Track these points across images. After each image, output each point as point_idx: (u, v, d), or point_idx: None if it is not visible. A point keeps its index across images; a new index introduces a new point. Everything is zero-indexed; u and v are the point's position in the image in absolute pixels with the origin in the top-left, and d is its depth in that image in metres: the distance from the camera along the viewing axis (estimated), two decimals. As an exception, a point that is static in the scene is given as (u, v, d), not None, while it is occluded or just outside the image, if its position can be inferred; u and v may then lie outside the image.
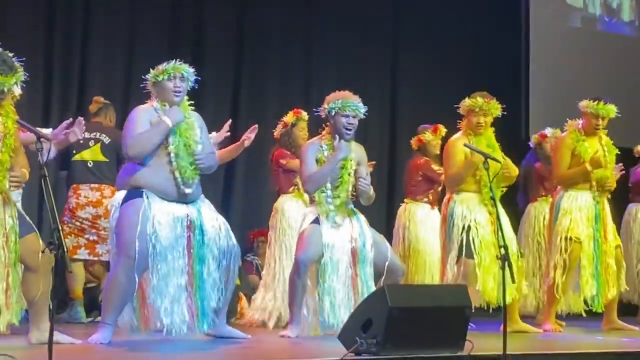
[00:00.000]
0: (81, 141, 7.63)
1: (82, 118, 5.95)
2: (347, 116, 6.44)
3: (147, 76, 5.99)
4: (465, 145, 6.62)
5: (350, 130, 6.45)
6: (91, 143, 7.63)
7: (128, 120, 5.95)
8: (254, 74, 10.01)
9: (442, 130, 8.33)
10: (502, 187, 7.04)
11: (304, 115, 7.71)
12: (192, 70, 5.99)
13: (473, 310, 5.55)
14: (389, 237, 8.61)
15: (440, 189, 8.27)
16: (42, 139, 4.69)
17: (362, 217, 6.57)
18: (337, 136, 6.46)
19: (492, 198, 5.94)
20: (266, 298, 7.42)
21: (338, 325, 6.13)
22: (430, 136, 8.36)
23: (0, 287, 5.25)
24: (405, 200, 8.44)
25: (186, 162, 5.89)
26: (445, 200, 7.11)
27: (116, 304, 5.74)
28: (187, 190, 5.90)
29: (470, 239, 6.87)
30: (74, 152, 7.61)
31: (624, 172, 7.76)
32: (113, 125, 7.83)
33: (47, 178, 4.47)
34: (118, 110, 8.10)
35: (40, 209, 7.79)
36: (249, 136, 6.84)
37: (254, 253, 8.89)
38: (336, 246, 6.37)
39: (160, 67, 5.95)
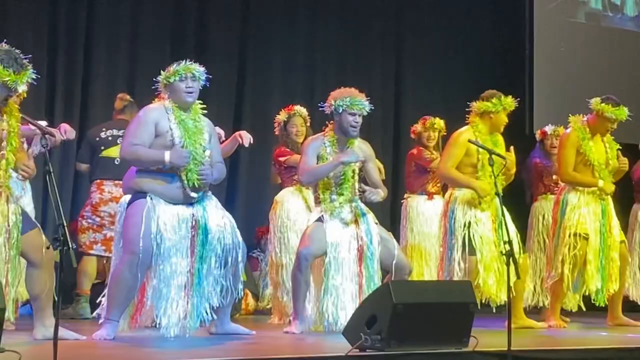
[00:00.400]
0: (109, 138, 7.66)
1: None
2: (354, 114, 6.44)
3: (157, 78, 5.98)
4: (469, 141, 6.60)
5: (356, 128, 6.44)
6: (119, 140, 7.64)
7: (134, 120, 5.95)
8: (257, 71, 10.00)
9: (434, 122, 8.30)
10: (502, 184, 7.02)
11: (299, 111, 7.67)
12: (202, 69, 5.97)
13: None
14: (394, 233, 8.62)
15: (437, 179, 8.26)
16: (47, 135, 4.69)
17: (369, 215, 6.56)
18: (346, 142, 6.45)
19: (497, 194, 5.92)
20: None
21: (342, 324, 6.14)
22: (420, 127, 8.35)
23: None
24: (405, 194, 8.44)
25: (195, 166, 5.86)
26: (446, 196, 7.11)
27: (120, 301, 5.75)
28: (194, 195, 5.88)
29: (471, 235, 6.86)
30: (102, 148, 7.63)
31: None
32: None
33: (52, 174, 4.46)
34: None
35: (45, 205, 7.79)
36: (243, 135, 6.82)
37: (259, 249, 8.89)
38: (341, 245, 6.36)
39: (171, 68, 5.93)
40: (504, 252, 5.27)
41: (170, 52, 9.24)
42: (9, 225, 5.35)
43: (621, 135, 7.62)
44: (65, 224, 4.29)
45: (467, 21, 10.72)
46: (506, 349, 5.11)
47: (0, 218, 5.35)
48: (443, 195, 7.95)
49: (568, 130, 7.42)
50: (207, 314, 5.85)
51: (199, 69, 5.95)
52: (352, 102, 6.43)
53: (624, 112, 7.31)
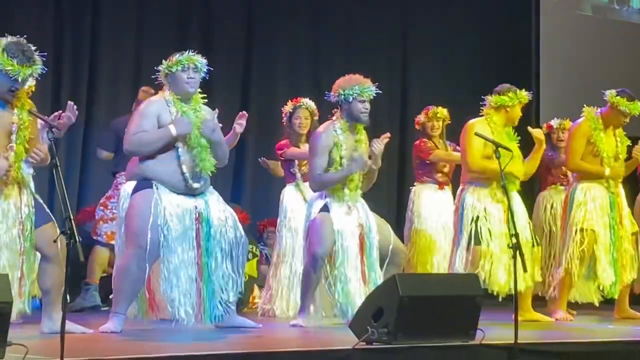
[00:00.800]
0: None
1: (72, 103, 5.90)
2: (364, 101, 6.43)
3: (159, 67, 5.98)
4: (476, 134, 6.59)
5: (366, 113, 6.44)
6: None
7: (136, 113, 5.96)
8: (263, 63, 9.99)
9: (437, 111, 8.28)
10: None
11: (305, 103, 7.67)
12: (204, 60, 5.98)
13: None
14: (401, 222, 8.61)
15: (445, 169, 8.24)
16: (54, 129, 4.69)
17: (364, 202, 6.56)
18: (356, 128, 6.45)
19: (504, 187, 5.92)
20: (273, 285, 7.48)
21: (352, 312, 6.15)
22: (423, 117, 8.34)
23: (15, 276, 5.27)
24: (415, 183, 8.43)
25: (202, 156, 5.87)
26: (459, 191, 7.10)
27: (127, 294, 5.76)
28: (195, 185, 5.89)
29: (479, 228, 6.86)
30: None
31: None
32: None
33: (59, 167, 4.47)
34: (127, 95, 8.08)
35: (51, 197, 7.79)
36: (240, 122, 6.81)
37: (263, 243, 8.89)
38: (346, 232, 6.36)
39: (173, 57, 5.94)
40: (510, 245, 5.26)
41: (176, 47, 9.21)
42: (22, 218, 5.36)
43: (628, 128, 7.60)
44: (72, 217, 4.29)
45: (473, 13, 10.69)
46: (513, 342, 5.11)
47: (13, 209, 5.36)
48: (452, 186, 7.96)
49: (579, 120, 7.41)
50: (219, 308, 5.86)
51: (201, 60, 5.96)
52: (361, 90, 6.42)
53: (638, 107, 7.30)
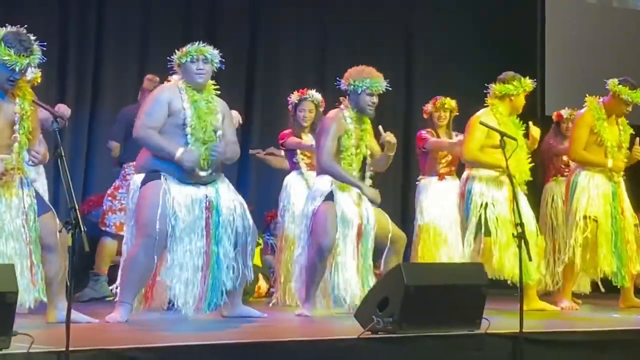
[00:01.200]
0: None
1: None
2: (372, 95, 6.43)
3: (168, 57, 6.02)
4: (481, 123, 6.60)
5: (373, 107, 6.44)
6: None
7: (148, 99, 5.99)
8: (268, 54, 9.98)
9: (444, 101, 8.27)
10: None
11: (311, 95, 7.66)
12: (216, 52, 5.99)
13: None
14: (406, 216, 8.62)
15: (445, 159, 8.23)
16: (58, 119, 4.70)
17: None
18: (362, 119, 6.46)
19: (509, 176, 5.92)
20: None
21: (352, 301, 6.17)
22: (431, 107, 8.33)
23: (25, 265, 5.28)
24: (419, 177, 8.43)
25: (204, 147, 5.88)
26: (463, 177, 7.10)
27: (134, 283, 5.78)
28: (202, 174, 5.90)
29: (487, 216, 6.86)
30: None
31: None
32: None
33: (64, 157, 4.47)
34: (133, 86, 8.08)
35: (56, 187, 7.80)
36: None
37: (269, 233, 8.90)
38: (347, 222, 6.37)
39: (184, 48, 5.98)
40: (515, 234, 5.26)
41: (182, 37, 9.21)
42: (25, 208, 5.37)
43: (631, 117, 7.59)
44: (77, 207, 4.29)
45: (479, 3, 10.67)
46: (518, 331, 5.12)
47: (16, 200, 5.36)
48: (457, 176, 7.96)
49: (583, 110, 7.41)
50: (221, 297, 5.87)
51: (211, 52, 5.98)
52: (372, 83, 6.41)
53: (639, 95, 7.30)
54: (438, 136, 8.19)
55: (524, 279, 5.67)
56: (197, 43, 5.98)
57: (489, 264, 6.70)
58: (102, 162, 8.59)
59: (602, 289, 7.57)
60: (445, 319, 5.06)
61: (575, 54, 10.90)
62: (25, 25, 5.39)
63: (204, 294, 5.84)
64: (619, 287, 7.38)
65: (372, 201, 6.41)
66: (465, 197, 6.99)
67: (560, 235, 7.93)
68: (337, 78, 6.54)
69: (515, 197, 5.73)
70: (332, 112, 6.57)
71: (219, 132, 5.94)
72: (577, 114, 7.53)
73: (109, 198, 7.64)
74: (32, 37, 5.34)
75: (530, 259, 5.33)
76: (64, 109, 6.56)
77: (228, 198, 5.97)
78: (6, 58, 5.23)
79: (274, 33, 9.98)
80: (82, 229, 4.22)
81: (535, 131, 7.19)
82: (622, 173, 7.43)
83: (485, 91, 7.10)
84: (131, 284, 5.77)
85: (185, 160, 5.78)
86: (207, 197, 5.90)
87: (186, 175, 5.84)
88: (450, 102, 8.29)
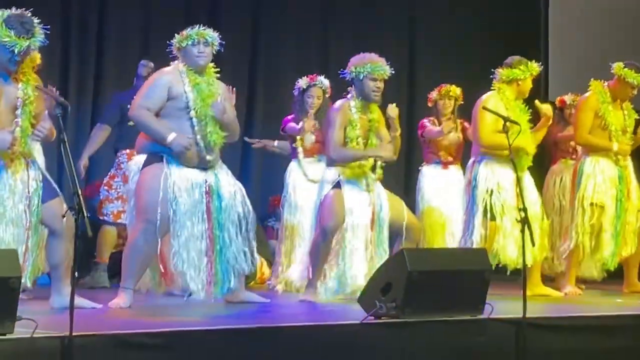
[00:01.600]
0: None
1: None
2: (375, 80, 6.42)
3: (170, 41, 6.03)
4: (484, 108, 6.58)
5: (377, 92, 6.43)
6: None
7: (147, 82, 6.02)
8: (271, 40, 9.95)
9: (449, 89, 8.24)
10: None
11: (320, 82, 7.66)
12: (216, 34, 6.00)
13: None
14: (408, 203, 8.60)
15: (447, 147, 8.21)
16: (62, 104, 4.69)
17: (378, 182, 6.57)
18: (368, 107, 6.45)
19: (512, 160, 5.91)
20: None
21: (359, 289, 6.17)
22: (436, 94, 8.31)
23: (20, 250, 5.28)
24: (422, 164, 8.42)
25: (210, 128, 5.89)
26: (470, 163, 7.09)
27: (137, 269, 5.79)
28: (209, 157, 5.92)
29: (493, 202, 6.86)
30: None
31: None
32: None
33: (67, 143, 4.47)
34: (135, 71, 8.06)
35: (60, 173, 7.79)
36: None
37: (274, 218, 8.90)
38: (357, 209, 6.37)
39: (185, 32, 5.99)
40: (518, 219, 5.26)
41: (184, 23, 9.20)
42: (29, 193, 5.37)
43: (636, 102, 7.57)
44: (80, 193, 4.29)
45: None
46: (521, 316, 5.12)
47: (20, 185, 5.36)
48: (461, 165, 7.95)
49: (587, 94, 7.38)
50: (232, 282, 5.89)
51: (212, 35, 6.01)
52: (373, 68, 6.41)
53: None
54: (440, 124, 8.18)
55: (526, 260, 5.67)
56: (197, 26, 5.99)
57: (493, 250, 6.71)
58: (105, 146, 8.56)
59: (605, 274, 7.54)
60: (448, 304, 5.07)
61: (579, 39, 10.86)
62: (26, 8, 5.39)
63: (213, 279, 5.86)
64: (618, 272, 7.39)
65: (388, 158, 6.39)
66: (471, 184, 6.99)
67: (566, 219, 7.91)
68: (341, 67, 6.55)
69: (518, 182, 5.73)
70: (337, 103, 6.57)
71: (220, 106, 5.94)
72: (581, 98, 7.50)
73: (105, 187, 7.61)
74: (36, 20, 5.34)
75: (533, 244, 5.32)
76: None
77: (228, 183, 5.99)
78: (6, 39, 5.22)
79: (277, 21, 9.95)
80: (85, 214, 4.22)
81: (546, 108, 7.15)
82: (628, 157, 7.41)
83: (489, 77, 7.08)
84: (132, 269, 5.78)
85: (175, 145, 5.78)
86: (206, 181, 5.91)
87: (187, 159, 5.84)
88: (455, 90, 8.27)
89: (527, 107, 7.03)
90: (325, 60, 9.80)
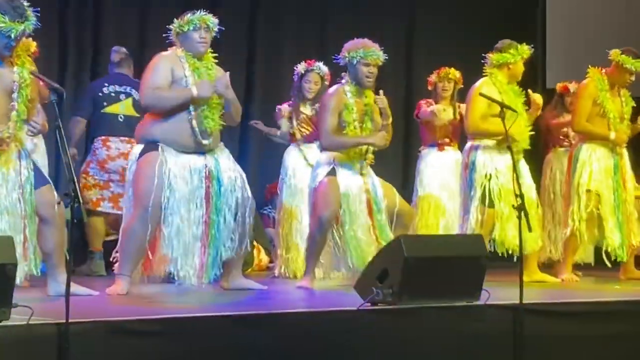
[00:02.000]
0: (112, 94, 7.62)
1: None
2: (368, 65, 6.41)
3: (170, 26, 6.02)
4: (480, 94, 6.58)
5: (370, 78, 6.43)
6: (122, 97, 7.60)
7: (149, 67, 5.97)
8: (269, 25, 9.93)
9: (449, 72, 8.23)
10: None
11: (318, 67, 7.65)
12: (216, 20, 5.99)
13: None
14: (407, 187, 8.60)
15: (443, 128, 8.20)
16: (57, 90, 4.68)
17: (369, 168, 6.57)
18: (363, 92, 6.44)
19: (509, 147, 5.92)
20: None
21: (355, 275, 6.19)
22: (435, 77, 8.30)
23: (18, 239, 5.27)
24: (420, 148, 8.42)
25: (206, 113, 5.89)
26: (467, 147, 7.09)
27: (133, 255, 5.79)
28: (205, 142, 5.92)
29: (491, 187, 6.86)
30: (105, 104, 7.58)
31: None
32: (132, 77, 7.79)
33: (62, 129, 4.46)
34: (134, 59, 8.05)
35: (56, 161, 7.78)
36: None
37: (271, 206, 8.90)
38: (353, 195, 6.38)
39: (185, 17, 5.97)
40: (515, 205, 5.26)
41: (183, 7, 9.16)
42: (21, 181, 5.37)
43: (634, 89, 7.56)
44: (75, 180, 4.29)
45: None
46: (518, 302, 5.12)
47: (12, 173, 5.36)
48: (458, 147, 7.94)
49: (585, 81, 7.37)
50: (221, 268, 5.89)
51: (212, 20, 6.00)
52: (365, 53, 6.41)
53: None
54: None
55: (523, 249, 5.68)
56: (197, 11, 5.98)
57: (490, 236, 6.71)
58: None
59: (609, 264, 7.51)
60: (445, 290, 5.07)
61: (577, 25, 10.84)
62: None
63: (204, 264, 5.86)
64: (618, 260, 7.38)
65: (381, 146, 6.39)
66: (468, 168, 6.99)
67: (560, 207, 7.91)
68: (337, 52, 6.54)
69: (515, 168, 5.73)
70: (331, 89, 6.58)
71: (222, 100, 5.92)
72: (580, 84, 7.49)
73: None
74: (26, 3, 5.33)
75: (530, 230, 5.32)
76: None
77: (228, 167, 5.98)
78: (1, 25, 5.22)
79: (275, 7, 9.93)
80: (80, 201, 4.22)
81: (537, 97, 7.16)
82: (625, 145, 7.41)
83: (484, 62, 7.08)
84: (129, 256, 5.78)
85: (203, 91, 5.80)
86: (206, 166, 5.91)
87: (182, 142, 5.83)
88: (455, 73, 8.26)
89: (521, 90, 7.04)
90: (324, 46, 9.78)
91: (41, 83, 5.36)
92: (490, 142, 6.93)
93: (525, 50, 7.02)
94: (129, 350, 4.24)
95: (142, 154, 5.87)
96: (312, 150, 7.45)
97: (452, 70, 8.25)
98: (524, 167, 7.00)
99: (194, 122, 5.88)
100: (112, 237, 7.77)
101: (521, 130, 6.87)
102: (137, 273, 5.93)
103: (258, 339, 4.55)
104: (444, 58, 8.78)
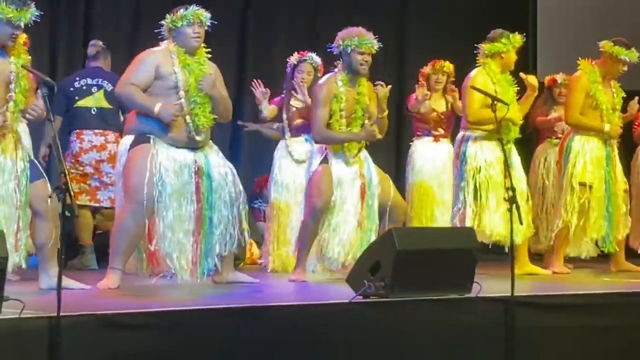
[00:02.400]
0: (84, 87, 7.60)
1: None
2: (363, 53, 6.42)
3: (162, 22, 5.99)
4: (472, 87, 6.59)
5: (365, 66, 6.43)
6: (94, 90, 7.59)
7: (134, 61, 5.95)
8: (261, 16, 9.92)
9: (443, 64, 8.24)
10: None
11: (311, 58, 7.63)
12: (208, 14, 5.97)
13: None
14: (399, 178, 8.60)
15: (436, 120, 8.20)
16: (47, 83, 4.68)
17: (367, 154, 6.57)
18: (357, 80, 6.44)
19: (500, 140, 5.92)
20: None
21: (347, 262, 6.19)
22: (429, 69, 8.30)
23: (11, 230, 5.28)
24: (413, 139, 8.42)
25: (197, 110, 5.87)
26: (458, 138, 7.11)
27: (124, 249, 5.77)
28: (198, 137, 5.90)
29: (482, 179, 6.87)
30: (77, 98, 7.57)
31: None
32: (110, 70, 7.77)
33: (53, 123, 4.45)
34: (126, 54, 8.03)
35: (51, 153, 7.76)
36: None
37: (261, 200, 8.89)
38: (345, 183, 6.39)
39: (178, 12, 5.93)
40: (506, 198, 5.26)
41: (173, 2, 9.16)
42: (18, 172, 5.37)
43: (626, 81, 7.57)
44: (66, 173, 4.28)
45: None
46: (509, 294, 5.13)
47: (9, 163, 5.36)
48: (451, 138, 7.94)
49: (578, 73, 7.36)
50: (215, 263, 5.89)
51: (206, 15, 5.97)
52: (360, 41, 6.41)
53: (635, 54, 7.29)
54: (430, 99, 8.17)
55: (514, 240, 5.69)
56: (190, 6, 5.95)
57: (480, 228, 6.72)
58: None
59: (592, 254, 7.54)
60: (437, 283, 5.07)
61: (568, 17, 10.84)
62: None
63: (198, 260, 5.85)
64: (606, 252, 7.41)
65: (371, 139, 6.40)
66: (460, 159, 7.00)
67: (551, 198, 7.92)
68: (330, 42, 6.53)
69: (506, 160, 5.74)
70: (323, 79, 6.58)
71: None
72: (572, 77, 7.48)
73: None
74: None
75: (521, 222, 5.33)
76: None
77: (218, 163, 5.97)
78: (10, 15, 5.24)
79: (266, 0, 9.92)
80: (72, 195, 4.21)
81: (532, 79, 7.17)
82: (617, 137, 7.42)
83: (476, 53, 7.09)
84: (121, 250, 5.76)
85: (163, 114, 5.75)
86: (196, 162, 5.89)
87: (174, 136, 5.82)
88: (449, 66, 8.27)
89: (514, 80, 7.05)
90: (316, 37, 9.77)
91: (31, 76, 5.35)
92: (482, 133, 6.93)
93: (517, 39, 7.04)
94: (120, 344, 4.24)
95: (132, 145, 5.84)
96: (299, 145, 7.45)
97: (447, 63, 8.26)
98: (516, 158, 7.01)
99: (188, 118, 5.86)
100: (100, 232, 7.78)
101: (516, 115, 6.90)
102: (143, 268, 5.92)
103: (249, 332, 4.55)
104: (436, 51, 8.78)
